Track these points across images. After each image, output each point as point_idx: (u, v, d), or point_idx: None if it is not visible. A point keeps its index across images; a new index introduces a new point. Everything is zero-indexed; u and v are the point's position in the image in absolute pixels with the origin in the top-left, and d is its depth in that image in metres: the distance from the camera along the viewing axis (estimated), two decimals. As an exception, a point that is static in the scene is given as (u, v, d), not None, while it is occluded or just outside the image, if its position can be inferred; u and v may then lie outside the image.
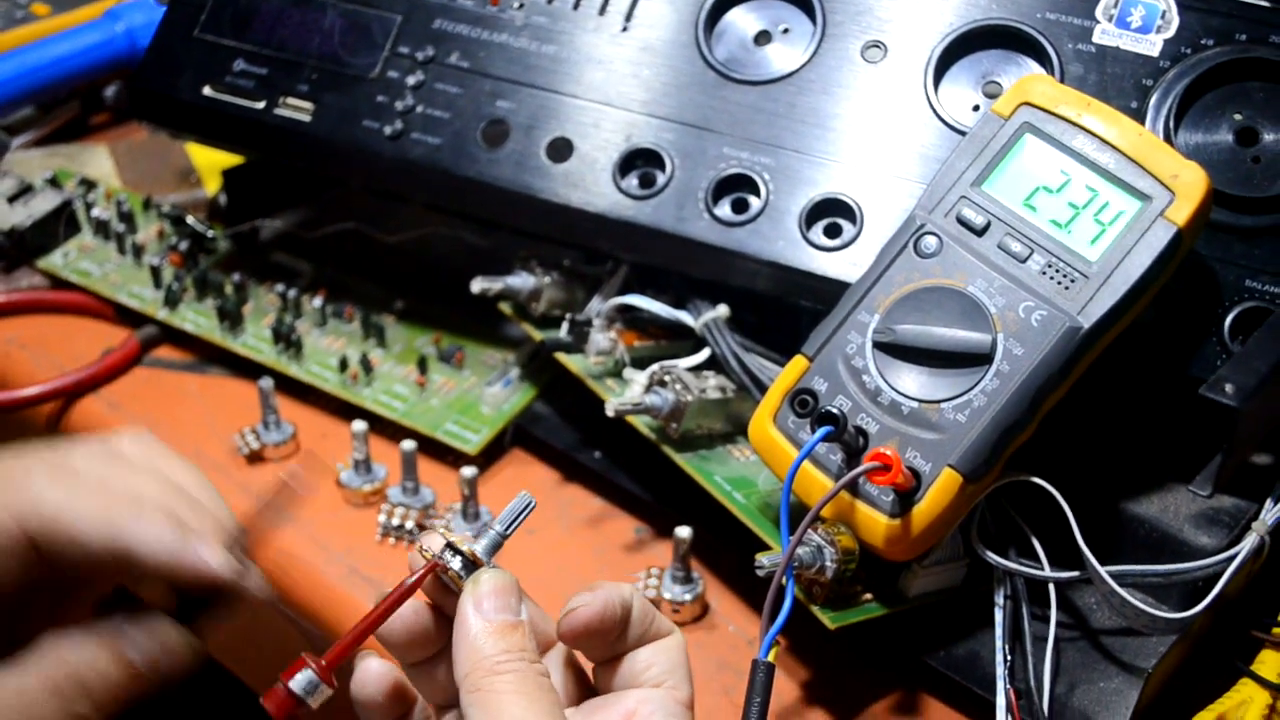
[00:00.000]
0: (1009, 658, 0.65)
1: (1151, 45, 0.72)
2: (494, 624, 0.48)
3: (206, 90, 0.89)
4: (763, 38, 0.80)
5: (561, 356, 0.80)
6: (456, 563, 0.50)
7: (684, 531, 0.72)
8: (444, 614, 0.51)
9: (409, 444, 0.79)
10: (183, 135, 1.04)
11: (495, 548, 0.51)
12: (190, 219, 1.00)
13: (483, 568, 0.50)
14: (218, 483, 0.80)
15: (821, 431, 0.62)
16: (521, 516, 0.51)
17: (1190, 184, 0.63)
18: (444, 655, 0.51)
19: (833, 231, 0.75)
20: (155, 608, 0.51)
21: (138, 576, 0.50)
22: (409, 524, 0.78)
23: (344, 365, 0.87)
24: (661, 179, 0.78)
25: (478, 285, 0.82)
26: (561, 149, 0.80)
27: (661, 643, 0.53)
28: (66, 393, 0.89)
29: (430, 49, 0.85)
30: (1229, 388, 0.60)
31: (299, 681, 0.48)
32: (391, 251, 0.97)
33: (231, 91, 0.89)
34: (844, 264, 0.73)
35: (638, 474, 0.80)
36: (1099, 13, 0.73)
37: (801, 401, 0.66)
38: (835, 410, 0.63)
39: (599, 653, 0.53)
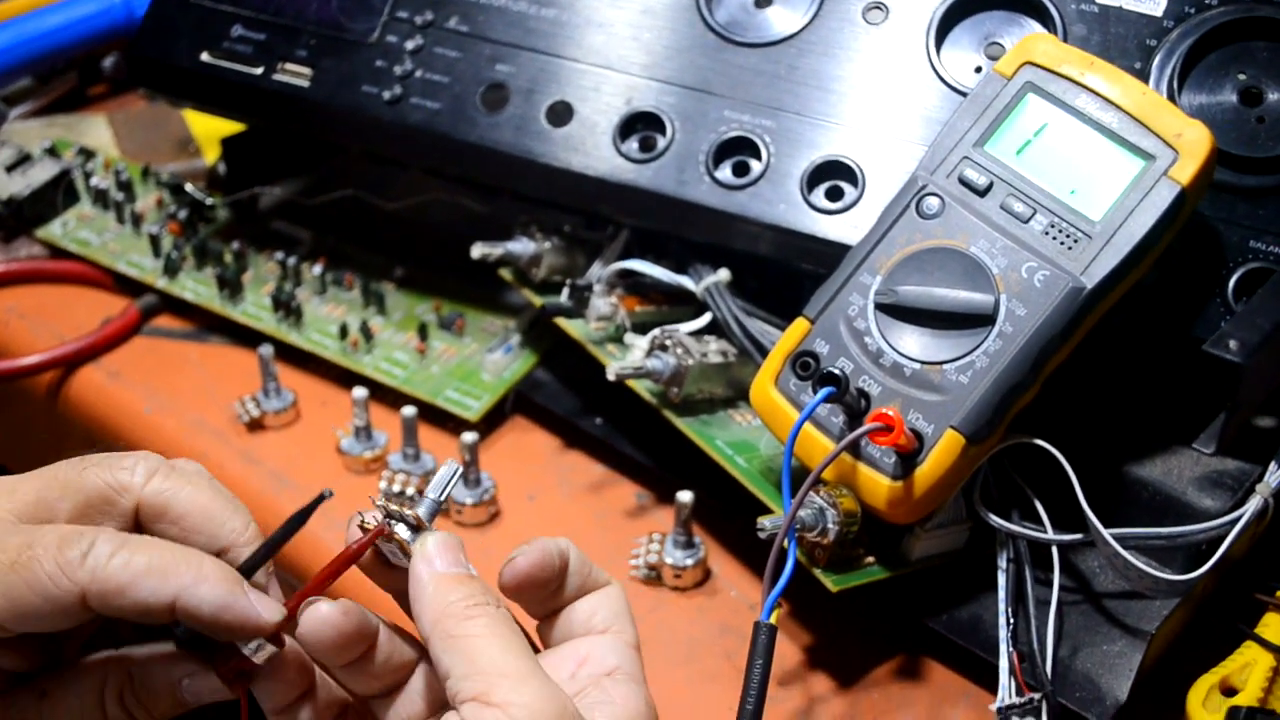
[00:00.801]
0: (1012, 621, 0.64)
1: (1155, 4, 0.71)
2: (451, 575, 0.49)
3: (204, 56, 0.89)
4: (763, 0, 0.79)
5: (562, 322, 0.80)
6: (402, 528, 0.50)
7: (685, 496, 0.72)
8: (369, 619, 0.50)
9: (409, 410, 0.79)
10: (181, 102, 1.03)
11: (434, 514, 0.51)
12: (189, 187, 0.99)
13: (426, 530, 0.50)
14: (218, 450, 0.82)
15: (823, 393, 0.62)
16: (452, 482, 0.52)
17: (1194, 143, 0.63)
18: (373, 651, 0.51)
19: (834, 194, 0.74)
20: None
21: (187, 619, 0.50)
22: (410, 490, 0.78)
23: (344, 332, 0.87)
24: (662, 142, 0.77)
25: (478, 251, 0.82)
26: (561, 113, 0.80)
27: (601, 592, 0.54)
28: (66, 362, 0.88)
29: (429, 13, 0.84)
30: (1233, 344, 0.60)
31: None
32: (391, 218, 0.96)
33: (229, 57, 0.88)
34: (845, 226, 0.73)
35: (639, 439, 0.80)
36: (1103, -28, 0.73)
37: (803, 364, 0.66)
38: (837, 371, 0.62)
39: (539, 606, 0.54)
